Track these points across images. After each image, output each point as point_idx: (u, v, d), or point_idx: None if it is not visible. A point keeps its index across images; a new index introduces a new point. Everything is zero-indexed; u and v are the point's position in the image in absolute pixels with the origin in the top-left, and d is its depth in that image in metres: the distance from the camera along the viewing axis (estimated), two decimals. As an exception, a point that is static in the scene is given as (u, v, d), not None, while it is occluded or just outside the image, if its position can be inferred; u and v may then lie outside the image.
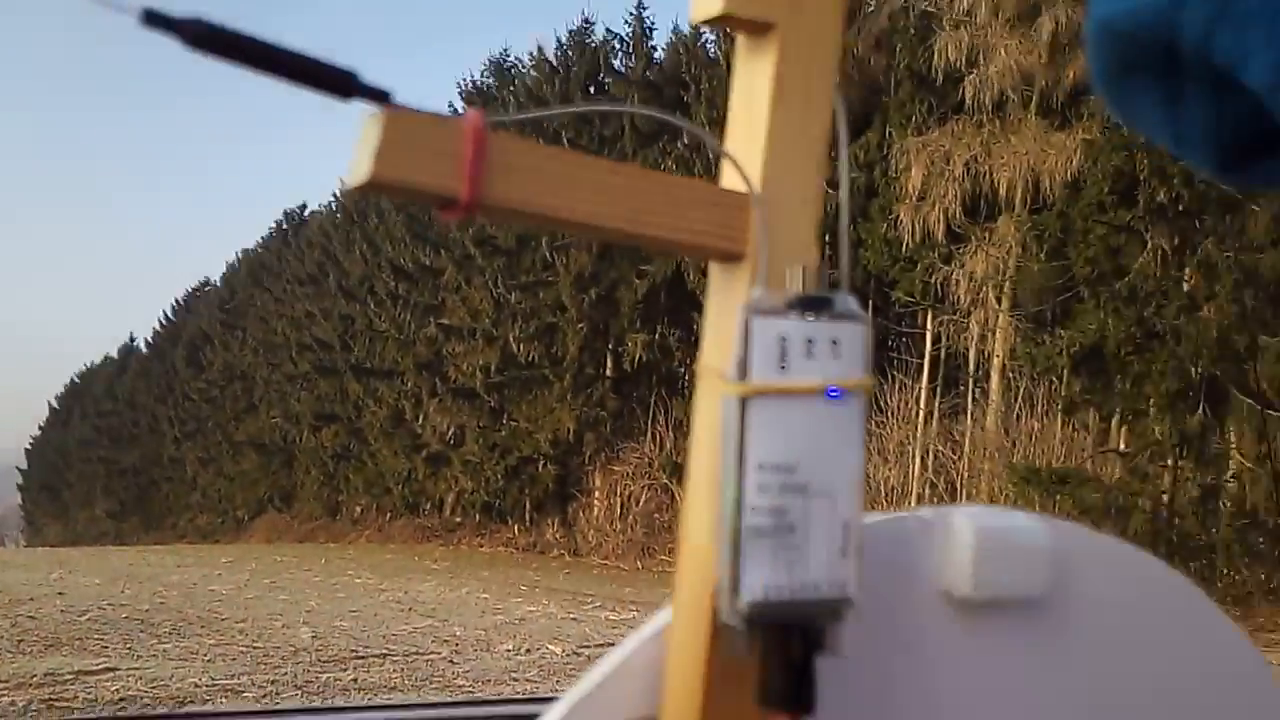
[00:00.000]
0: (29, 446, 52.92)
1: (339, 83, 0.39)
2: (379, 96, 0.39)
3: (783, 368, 0.42)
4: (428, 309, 26.71)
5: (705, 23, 0.46)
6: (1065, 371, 14.84)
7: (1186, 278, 14.27)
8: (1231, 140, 0.50)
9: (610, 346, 23.20)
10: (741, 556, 0.41)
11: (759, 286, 0.44)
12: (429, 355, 26.30)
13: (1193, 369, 13.91)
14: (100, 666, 7.22)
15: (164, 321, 44.61)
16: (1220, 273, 13.67)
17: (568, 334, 23.09)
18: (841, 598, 0.42)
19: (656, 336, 22.29)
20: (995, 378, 16.31)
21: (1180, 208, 14.19)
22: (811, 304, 0.43)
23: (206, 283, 43.25)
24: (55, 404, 51.86)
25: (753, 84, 0.46)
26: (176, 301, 44.54)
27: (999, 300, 16.07)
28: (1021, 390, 15.73)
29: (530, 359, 23.62)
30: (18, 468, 53.04)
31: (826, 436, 0.42)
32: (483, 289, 24.84)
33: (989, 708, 0.52)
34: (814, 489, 0.42)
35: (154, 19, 0.36)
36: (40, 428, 52.55)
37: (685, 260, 21.10)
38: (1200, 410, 13.84)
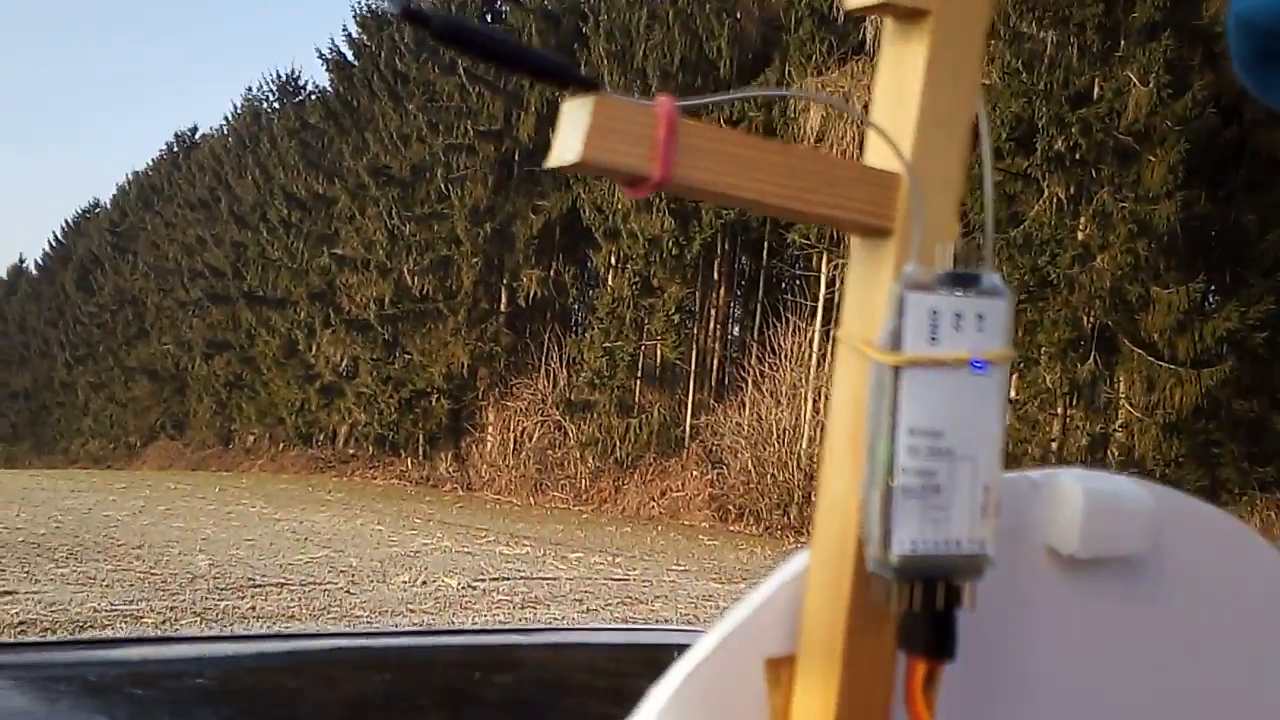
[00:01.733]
0: (-88, 368, 49.18)
1: (559, 73, 0.42)
2: (591, 85, 0.41)
3: (933, 340, 0.43)
4: (321, 238, 25.18)
5: (860, 10, 0.47)
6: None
7: (1081, 227, 13.62)
8: None
9: (505, 281, 22.09)
10: (892, 513, 0.42)
11: (912, 262, 0.44)
12: (322, 285, 24.85)
13: (1085, 318, 13.36)
14: None
15: (53, 243, 41.83)
16: (1115, 223, 13.06)
17: (462, 268, 21.93)
18: (981, 554, 0.43)
19: (551, 273, 21.37)
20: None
21: (1077, 156, 13.50)
22: (961, 280, 0.43)
23: (96, 204, 40.55)
24: (-60, 324, 48.15)
25: (903, 66, 0.47)
26: (66, 222, 41.74)
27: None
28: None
29: (424, 292, 22.45)
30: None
31: (971, 405, 0.43)
32: (377, 220, 23.43)
33: (1090, 658, 0.53)
34: (959, 454, 0.43)
35: (410, 15, 0.39)
36: (-75, 348, 48.81)
37: (581, 196, 20.06)
38: (1091, 360, 13.34)
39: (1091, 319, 13.33)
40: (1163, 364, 12.82)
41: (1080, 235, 13.57)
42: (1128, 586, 0.54)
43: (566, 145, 0.41)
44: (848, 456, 0.45)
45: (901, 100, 0.46)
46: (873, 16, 0.47)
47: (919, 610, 0.42)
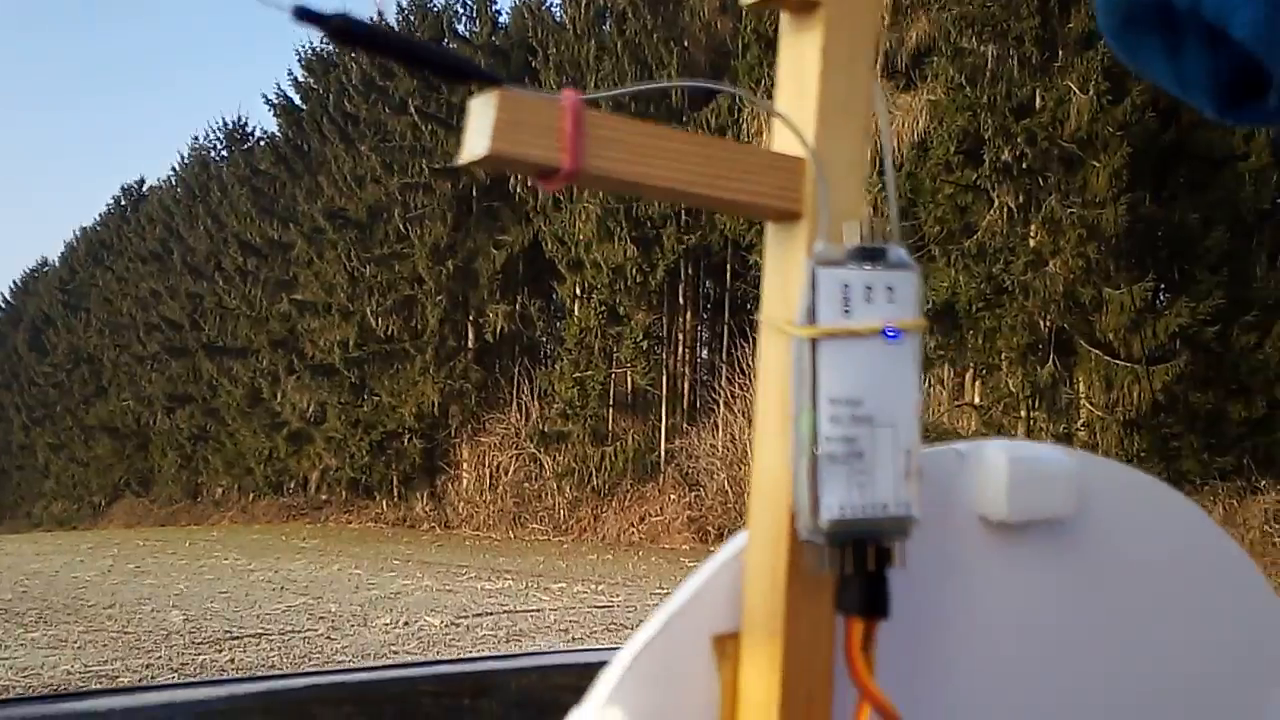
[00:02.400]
0: None
1: (460, 69, 0.43)
2: (492, 80, 0.42)
3: (846, 312, 0.44)
4: (279, 284, 24.93)
5: (753, 5, 0.49)
6: (920, 329, 14.30)
7: (1032, 234, 13.82)
8: (1227, 85, 0.57)
9: (471, 318, 21.96)
10: (819, 481, 0.44)
11: (821, 240, 0.46)
12: (283, 332, 24.57)
13: (1041, 322, 13.53)
14: None
15: (2, 304, 40.93)
16: (1064, 228, 13.26)
17: (426, 306, 21.78)
18: (907, 515, 0.45)
19: (517, 306, 21.29)
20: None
21: (1024, 166, 13.70)
22: (869, 255, 0.45)
23: (44, 263, 39.87)
24: (-108, 393, 47.06)
25: (801, 56, 0.48)
26: (14, 283, 40.98)
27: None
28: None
29: (389, 333, 22.25)
30: None
31: (887, 373, 0.45)
32: (335, 263, 23.23)
33: (1021, 619, 0.55)
34: (879, 420, 0.45)
35: (304, 14, 0.39)
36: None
37: (542, 229, 20.09)
38: (1050, 362, 13.49)
39: (1048, 323, 13.50)
40: (1119, 362, 12.99)
41: (1032, 242, 13.76)
42: (1057, 548, 0.56)
43: (475, 140, 0.41)
44: (777, 434, 0.47)
45: (801, 88, 0.48)
46: (769, 10, 0.49)
47: (852, 572, 0.44)
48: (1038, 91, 13.90)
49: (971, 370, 14.63)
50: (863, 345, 0.44)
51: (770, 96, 0.50)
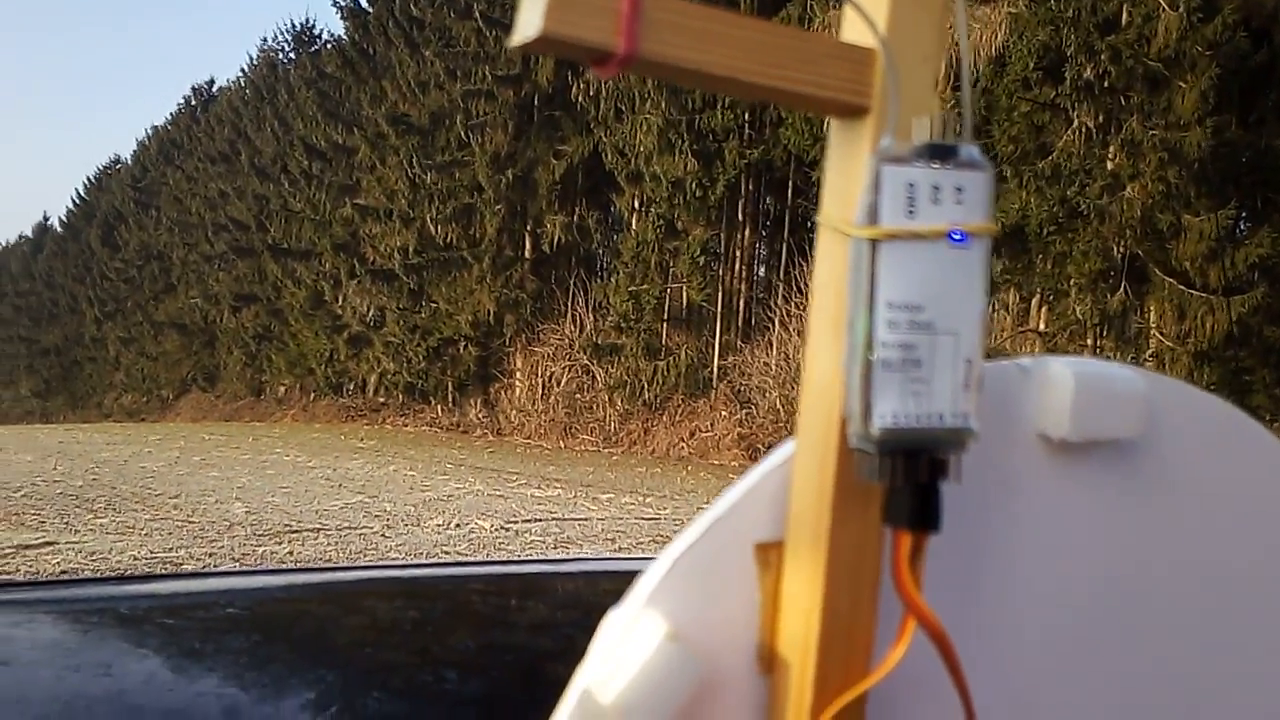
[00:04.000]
0: (-52, 327, 49.91)
1: None
2: None
3: (910, 213, 0.42)
4: (343, 189, 25.09)
5: None
6: (987, 252, 13.98)
7: (1111, 156, 13.33)
8: None
9: (528, 228, 21.91)
10: (872, 387, 0.42)
11: (888, 136, 0.44)
12: (346, 236, 24.81)
13: (1115, 248, 13.15)
14: (39, 541, 7.05)
15: (77, 200, 41.91)
16: (1145, 151, 12.76)
17: (485, 215, 21.78)
18: (964, 427, 0.43)
19: (575, 218, 21.17)
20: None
21: (1106, 84, 13.16)
22: (938, 153, 0.43)
23: (117, 160, 40.50)
24: (-28, 284, 48.72)
25: None
26: (88, 179, 41.73)
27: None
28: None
29: (448, 240, 22.33)
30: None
31: (951, 279, 0.43)
32: (397, 169, 23.27)
33: (1079, 541, 0.53)
34: (939, 327, 0.43)
35: None
36: (-42, 308, 49.47)
37: (602, 140, 19.87)
38: (1122, 289, 13.14)
39: (1122, 249, 13.10)
40: (1194, 292, 12.60)
41: (1110, 165, 13.28)
42: (1121, 470, 0.54)
43: (528, 21, 0.40)
44: (830, 339, 0.45)
45: None
46: None
47: (902, 483, 0.42)
48: (1124, 6, 13.26)
49: (1038, 296, 14.31)
50: (926, 249, 0.42)
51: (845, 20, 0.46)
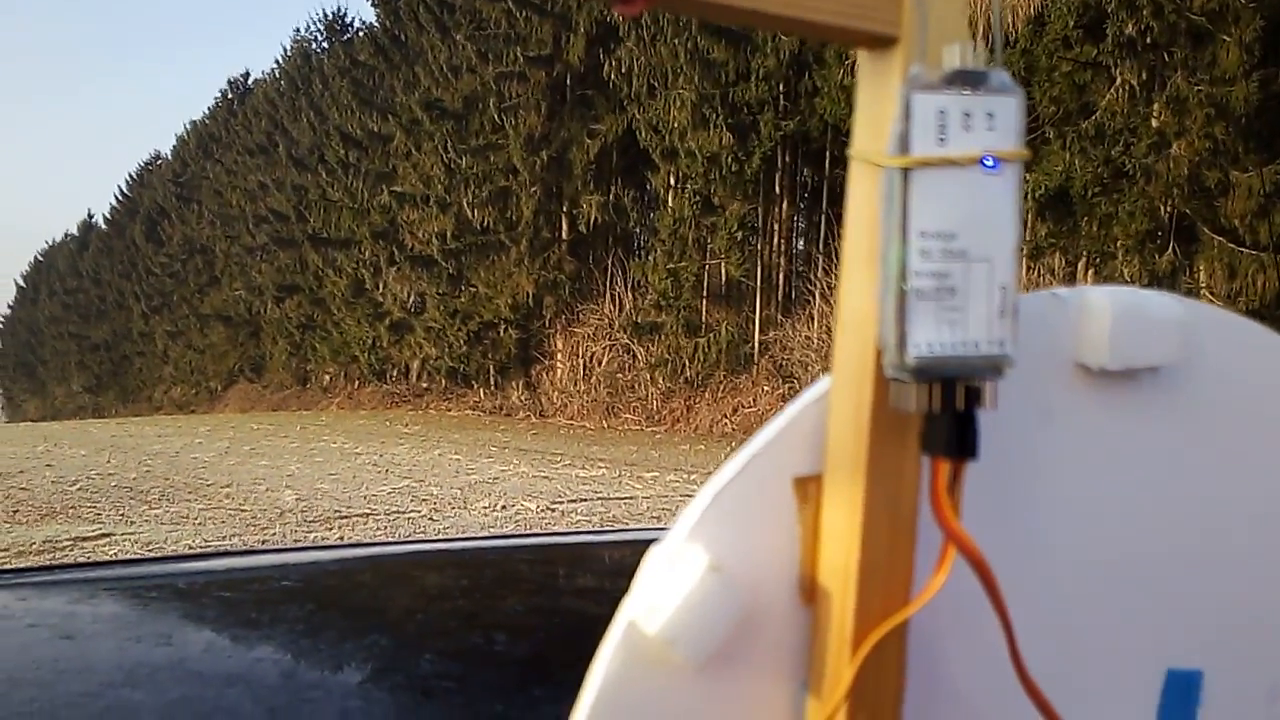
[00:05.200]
0: (0, 325, 51.11)
1: None
2: None
3: (941, 140, 0.42)
4: (379, 176, 25.28)
5: None
6: (1030, 215, 13.77)
7: (1155, 114, 13.06)
8: None
9: (565, 208, 21.93)
10: (907, 317, 0.42)
11: (917, 65, 0.43)
12: (384, 223, 25.03)
13: (1162, 208, 12.90)
14: (96, 533, 7.22)
15: (120, 197, 42.55)
16: (1190, 107, 12.47)
17: (521, 197, 21.82)
18: (1000, 354, 0.43)
19: (611, 197, 21.13)
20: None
21: (1149, 40, 12.85)
22: (969, 79, 0.42)
23: (158, 156, 41.08)
24: (21, 282, 49.77)
25: None
26: (130, 176, 42.40)
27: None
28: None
29: (485, 224, 22.42)
30: (-8, 347, 51.37)
31: (984, 205, 0.43)
32: (432, 154, 23.38)
33: (1118, 468, 0.53)
34: (973, 254, 0.42)
35: None
36: (10, 306, 50.64)
37: (636, 117, 19.81)
38: (1170, 250, 12.91)
39: (1169, 208, 12.84)
40: (1244, 250, 12.33)
41: (1155, 123, 13.00)
42: (1160, 398, 0.53)
43: None
44: (863, 272, 0.45)
45: None
46: None
47: (939, 412, 0.42)
48: (1166, -41, 12.97)
49: (1084, 259, 14.07)
50: (958, 176, 0.42)
51: None
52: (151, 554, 5.91)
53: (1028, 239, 14.15)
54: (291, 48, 32.11)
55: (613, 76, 20.04)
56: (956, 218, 0.42)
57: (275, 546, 5.01)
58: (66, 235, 47.57)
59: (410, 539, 5.25)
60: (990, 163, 0.42)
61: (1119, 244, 13.17)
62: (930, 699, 0.48)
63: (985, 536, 0.44)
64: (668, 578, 0.43)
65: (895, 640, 0.45)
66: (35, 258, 49.65)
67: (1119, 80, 13.20)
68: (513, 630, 1.13)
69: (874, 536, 0.45)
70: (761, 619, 0.45)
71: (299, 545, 4.79)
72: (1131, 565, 0.54)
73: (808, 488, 0.46)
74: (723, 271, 19.28)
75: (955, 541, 0.43)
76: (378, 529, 7.56)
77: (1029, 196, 13.67)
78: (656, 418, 19.21)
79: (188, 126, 38.62)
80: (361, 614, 1.21)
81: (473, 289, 22.98)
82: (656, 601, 0.43)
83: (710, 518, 0.45)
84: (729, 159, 18.14)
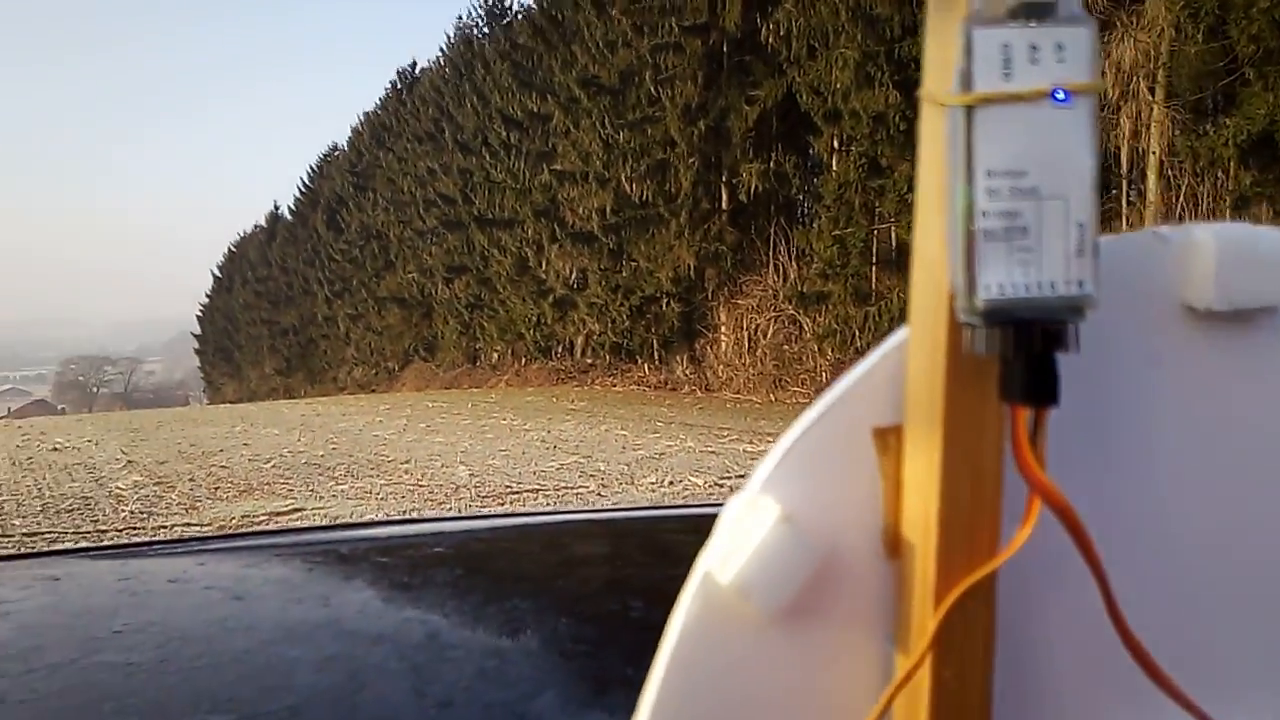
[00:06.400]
0: (199, 313, 55.07)
1: None
2: None
3: (1006, 75, 0.41)
4: (540, 156, 25.77)
5: None
6: (1233, 164, 12.76)
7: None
8: None
9: (724, 179, 21.76)
10: (975, 259, 0.41)
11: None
12: (545, 202, 25.51)
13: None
14: (289, 508, 7.70)
15: (302, 188, 44.99)
16: None
17: (679, 169, 21.80)
18: (1080, 295, 0.41)
19: (771, 164, 20.79)
20: (1152, 177, 14.17)
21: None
22: (1034, 10, 0.41)
23: (335, 148, 43.09)
24: (218, 272, 53.44)
25: None
26: (311, 168, 44.70)
27: (1152, 91, 13.81)
28: (1184, 189, 13.62)
29: (644, 198, 22.51)
30: (193, 333, 55.40)
31: (1056, 141, 0.41)
32: (590, 131, 23.63)
33: (1228, 415, 0.51)
34: (1046, 192, 0.41)
35: None
36: (208, 295, 54.45)
37: (796, 80, 19.45)
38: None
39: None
40: None
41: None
42: (1272, 339, 0.51)
43: None
44: (935, 215, 0.44)
45: None
46: None
47: (1014, 356, 0.41)
48: None
49: (1293, 208, 12.99)
50: (1027, 111, 0.41)
51: None
52: (315, 524, 6.28)
53: (1230, 188, 13.14)
54: (454, 35, 33.13)
55: (771, 40, 19.73)
56: (1026, 155, 0.41)
57: (431, 515, 5.20)
58: (256, 227, 50.65)
59: (558, 510, 5.37)
60: (1061, 96, 0.41)
61: None
62: (1023, 654, 0.47)
63: (1086, 489, 0.43)
64: (741, 529, 0.44)
65: (983, 593, 0.44)
66: (229, 249, 53.18)
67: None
68: (651, 597, 1.15)
69: (954, 488, 0.44)
70: (842, 571, 0.45)
71: (454, 515, 4.98)
72: (1239, 516, 0.51)
73: (888, 438, 0.46)
74: (892, 236, 18.76)
75: (1040, 492, 0.42)
76: (547, 504, 7.76)
77: (1230, 143, 12.66)
78: (826, 390, 18.89)
79: (360, 119, 40.44)
80: (505, 579, 1.27)
81: (634, 263, 23.16)
82: (730, 551, 0.44)
83: (784, 469, 0.45)
84: (896, 118, 17.57)
